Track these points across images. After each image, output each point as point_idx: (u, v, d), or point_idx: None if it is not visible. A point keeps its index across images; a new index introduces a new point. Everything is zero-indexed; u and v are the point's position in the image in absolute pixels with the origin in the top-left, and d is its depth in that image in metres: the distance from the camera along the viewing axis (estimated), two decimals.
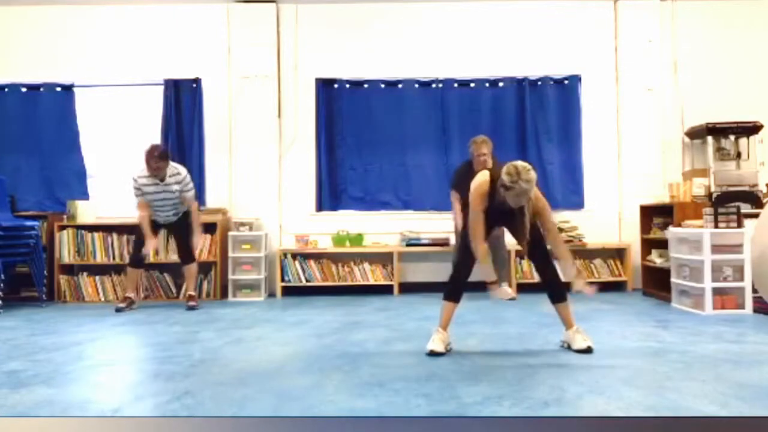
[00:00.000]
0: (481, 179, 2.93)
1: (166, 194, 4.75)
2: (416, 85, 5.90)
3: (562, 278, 3.10)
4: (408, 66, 5.89)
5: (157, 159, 4.66)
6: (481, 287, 5.12)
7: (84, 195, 5.78)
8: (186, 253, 4.93)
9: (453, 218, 5.06)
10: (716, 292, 4.14)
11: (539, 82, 5.84)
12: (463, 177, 4.78)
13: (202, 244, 5.22)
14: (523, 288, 5.36)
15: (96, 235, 5.39)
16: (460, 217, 4.81)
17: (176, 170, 4.80)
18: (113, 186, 5.89)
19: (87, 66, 5.84)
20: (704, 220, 4.29)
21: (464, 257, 3.06)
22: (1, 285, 4.66)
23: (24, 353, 3.14)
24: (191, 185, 4.88)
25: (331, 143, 5.91)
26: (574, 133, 5.86)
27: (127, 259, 5.21)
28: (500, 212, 2.93)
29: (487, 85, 5.79)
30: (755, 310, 4.11)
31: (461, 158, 5.34)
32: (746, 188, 5.11)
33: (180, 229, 4.92)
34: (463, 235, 3.12)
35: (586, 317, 4.01)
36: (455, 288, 3.06)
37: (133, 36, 5.87)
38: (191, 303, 4.80)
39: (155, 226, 4.86)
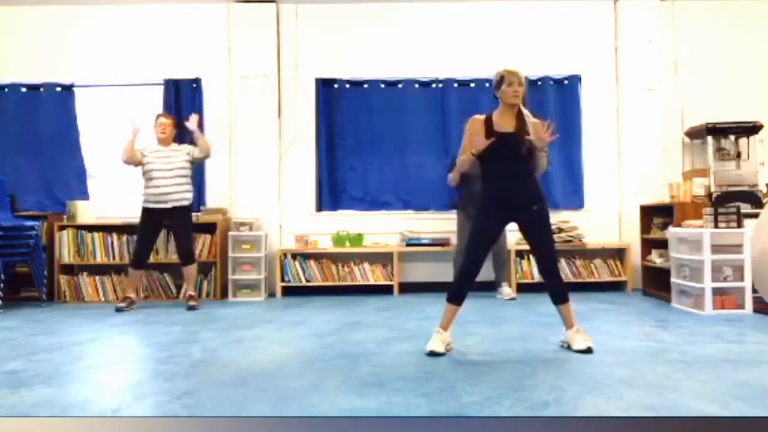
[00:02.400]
0: (475, 116, 3.14)
1: (171, 159, 4.83)
2: (416, 85, 5.90)
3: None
4: (408, 66, 5.90)
5: (164, 116, 4.94)
6: (482, 288, 5.15)
7: (84, 195, 5.78)
8: (186, 253, 4.91)
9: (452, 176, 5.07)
10: (716, 292, 4.14)
11: (539, 82, 5.84)
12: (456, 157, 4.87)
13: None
14: (523, 288, 5.36)
15: (96, 235, 5.39)
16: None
17: (183, 144, 5.05)
18: (113, 186, 5.90)
19: (87, 66, 5.84)
20: (704, 220, 4.29)
21: (470, 249, 3.05)
22: (1, 285, 4.66)
23: (24, 353, 3.14)
24: None
25: (331, 143, 5.91)
26: (574, 133, 5.86)
27: (127, 259, 5.23)
28: (505, 138, 2.99)
29: (487, 85, 5.77)
30: (755, 310, 4.11)
31: None
32: (746, 188, 5.11)
33: (180, 228, 4.89)
34: (472, 226, 3.12)
35: (586, 317, 4.01)
36: (458, 290, 3.05)
37: (133, 36, 5.87)
38: (192, 303, 4.79)
39: (153, 217, 4.80)
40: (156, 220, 4.83)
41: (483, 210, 3.09)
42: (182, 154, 4.91)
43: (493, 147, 2.99)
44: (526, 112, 3.06)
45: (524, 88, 3.02)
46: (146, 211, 4.81)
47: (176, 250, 4.99)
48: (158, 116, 4.96)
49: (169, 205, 4.79)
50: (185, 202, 4.87)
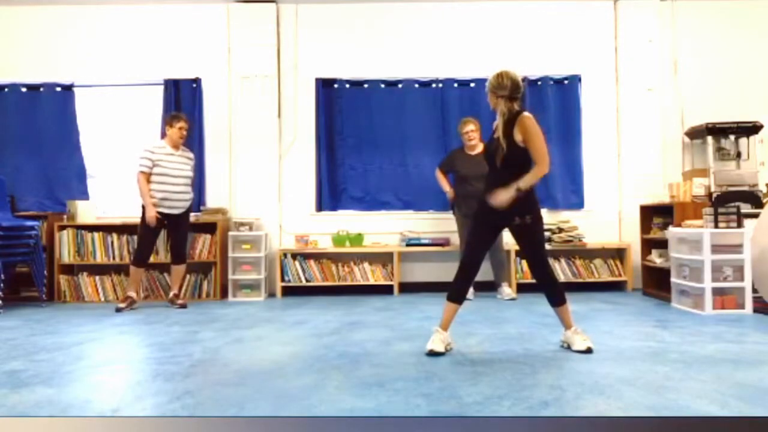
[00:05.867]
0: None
1: (183, 165, 4.87)
2: (416, 85, 5.90)
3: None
4: (408, 66, 5.90)
5: (186, 120, 4.91)
6: (482, 288, 5.16)
7: (84, 195, 5.77)
8: (181, 253, 4.94)
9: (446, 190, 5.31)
10: (716, 292, 4.14)
11: (539, 82, 5.84)
12: (450, 156, 5.28)
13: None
14: (523, 288, 5.36)
15: (96, 235, 5.39)
16: (447, 185, 5.27)
17: (188, 150, 5.08)
18: (113, 186, 5.90)
19: (87, 66, 5.84)
20: (704, 220, 4.29)
21: (467, 249, 3.05)
22: (1, 285, 4.66)
23: (24, 353, 3.14)
24: None
25: (331, 143, 5.91)
26: (574, 133, 5.86)
27: (127, 259, 5.23)
28: (490, 145, 3.08)
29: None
30: (755, 310, 4.11)
31: None
32: (746, 188, 5.11)
33: (180, 229, 4.92)
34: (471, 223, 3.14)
35: (586, 317, 4.01)
36: (458, 288, 3.04)
37: (133, 36, 5.87)
38: (180, 302, 4.86)
39: (159, 219, 4.78)
40: (160, 221, 4.83)
41: (474, 215, 3.14)
42: (189, 161, 4.97)
43: (485, 154, 3.10)
44: (522, 114, 2.92)
45: (491, 89, 2.97)
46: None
47: (171, 249, 4.98)
48: (179, 118, 4.86)
49: (177, 212, 4.84)
50: (188, 206, 4.95)
